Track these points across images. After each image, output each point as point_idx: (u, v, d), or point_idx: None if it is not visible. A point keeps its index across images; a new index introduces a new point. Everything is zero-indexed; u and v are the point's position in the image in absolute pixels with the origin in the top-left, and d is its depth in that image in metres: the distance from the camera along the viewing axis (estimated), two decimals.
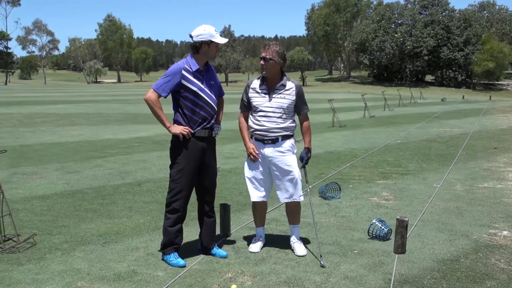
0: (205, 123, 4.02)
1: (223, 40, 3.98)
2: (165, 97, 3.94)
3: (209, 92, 4.02)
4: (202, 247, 4.30)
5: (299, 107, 4.20)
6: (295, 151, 4.26)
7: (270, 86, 4.14)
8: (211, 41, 3.91)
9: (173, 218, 4.03)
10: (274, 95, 4.10)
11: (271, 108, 4.10)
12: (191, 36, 3.93)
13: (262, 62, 4.08)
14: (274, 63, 4.04)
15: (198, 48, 3.93)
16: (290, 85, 4.13)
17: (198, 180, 4.13)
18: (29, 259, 4.11)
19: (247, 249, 4.40)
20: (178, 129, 3.93)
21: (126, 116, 19.85)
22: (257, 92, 4.16)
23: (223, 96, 4.34)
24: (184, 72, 3.92)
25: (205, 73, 4.03)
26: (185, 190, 4.01)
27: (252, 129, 4.23)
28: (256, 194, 4.31)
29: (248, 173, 4.33)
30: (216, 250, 4.28)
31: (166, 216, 4.07)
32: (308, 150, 4.22)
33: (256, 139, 4.22)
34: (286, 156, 4.16)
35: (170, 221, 4.04)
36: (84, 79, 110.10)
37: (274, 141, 4.15)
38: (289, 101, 4.11)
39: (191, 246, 4.45)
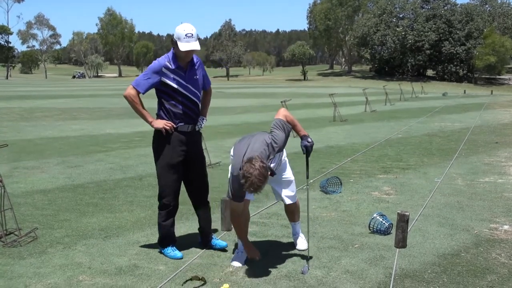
0: (187, 118, 3.98)
1: (183, 47, 3.75)
2: (143, 93, 3.89)
3: (191, 88, 3.96)
4: (202, 239, 4.33)
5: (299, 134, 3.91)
6: (285, 155, 4.07)
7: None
8: (177, 43, 3.80)
9: (164, 213, 4.07)
10: (276, 170, 3.85)
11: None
12: None
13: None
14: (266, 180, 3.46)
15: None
16: (283, 156, 3.90)
17: (186, 174, 4.11)
18: (30, 253, 4.12)
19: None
20: (160, 123, 3.89)
21: (127, 110, 19.74)
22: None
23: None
24: (164, 70, 3.85)
25: (187, 69, 3.94)
26: (172, 185, 4.01)
27: None
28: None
29: (233, 171, 3.87)
30: (215, 241, 4.30)
31: (159, 211, 4.11)
32: (306, 136, 3.82)
33: None
34: (281, 163, 4.05)
35: (162, 216, 4.08)
36: (85, 73, 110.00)
37: None
38: (286, 160, 4.01)
39: (191, 240, 4.45)
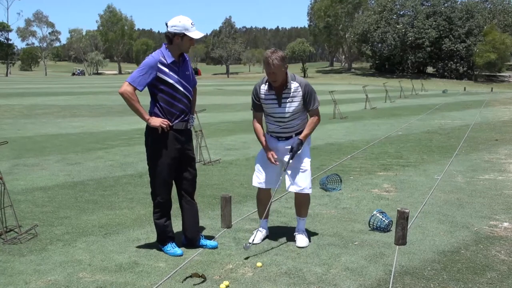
0: (183, 116, 3.97)
1: (197, 35, 3.83)
2: (141, 90, 3.85)
3: (185, 84, 3.95)
4: (187, 240, 4.26)
5: (306, 104, 4.13)
6: (309, 143, 4.33)
7: (278, 91, 4.08)
8: (185, 34, 3.79)
9: (158, 211, 4.07)
10: (282, 100, 4.08)
11: (281, 113, 4.11)
12: (166, 25, 3.83)
13: (272, 78, 3.98)
14: (282, 70, 3.96)
15: (171, 39, 3.83)
16: (295, 85, 4.06)
17: (178, 172, 4.10)
18: (30, 250, 4.13)
19: (248, 240, 4.40)
20: (157, 121, 3.85)
21: (127, 107, 19.71)
22: (266, 98, 4.13)
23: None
24: (159, 65, 3.82)
25: (180, 64, 3.93)
26: (166, 183, 4.01)
27: (267, 129, 4.31)
28: (257, 180, 4.34)
29: (259, 160, 4.36)
30: (205, 241, 4.24)
31: (153, 209, 4.11)
32: (300, 142, 4.12)
33: (271, 135, 4.29)
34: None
35: (157, 214, 4.09)
36: (85, 70, 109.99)
37: (288, 138, 4.21)
38: (297, 103, 4.09)
39: None
